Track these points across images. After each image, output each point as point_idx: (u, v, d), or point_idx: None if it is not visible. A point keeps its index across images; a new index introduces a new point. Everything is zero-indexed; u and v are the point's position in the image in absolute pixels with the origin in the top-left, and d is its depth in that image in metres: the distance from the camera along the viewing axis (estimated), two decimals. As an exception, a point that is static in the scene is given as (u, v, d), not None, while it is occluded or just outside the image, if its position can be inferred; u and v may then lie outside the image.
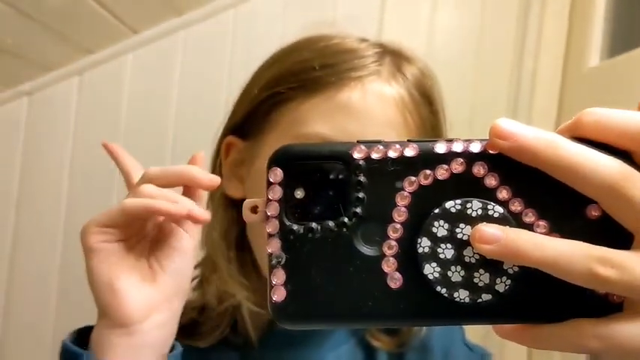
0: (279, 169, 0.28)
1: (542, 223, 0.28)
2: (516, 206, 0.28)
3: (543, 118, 1.24)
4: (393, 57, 0.62)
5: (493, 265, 0.28)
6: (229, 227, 0.65)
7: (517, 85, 1.27)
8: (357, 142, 0.28)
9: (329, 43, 0.61)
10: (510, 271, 0.28)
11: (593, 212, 0.27)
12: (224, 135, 0.66)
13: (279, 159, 0.28)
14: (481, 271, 0.28)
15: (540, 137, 0.26)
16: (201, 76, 1.22)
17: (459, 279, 0.28)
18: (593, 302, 0.28)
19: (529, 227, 0.28)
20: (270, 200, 0.28)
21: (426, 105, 0.61)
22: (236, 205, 0.64)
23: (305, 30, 0.66)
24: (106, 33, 1.14)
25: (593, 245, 0.26)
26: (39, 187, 1.20)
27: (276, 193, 0.28)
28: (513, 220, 0.27)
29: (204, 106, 1.22)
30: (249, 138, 0.63)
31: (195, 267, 0.70)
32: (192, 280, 0.71)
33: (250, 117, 0.63)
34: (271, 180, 0.28)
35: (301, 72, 0.59)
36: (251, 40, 1.22)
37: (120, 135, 1.21)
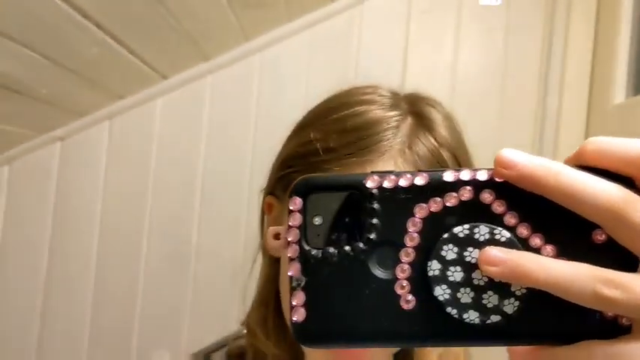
0: (298, 198, 0.30)
1: (548, 247, 0.28)
2: (523, 231, 0.29)
3: (569, 154, 1.24)
4: (411, 127, 0.59)
5: (501, 287, 0.28)
6: (269, 284, 0.66)
7: (542, 124, 1.27)
8: (372, 172, 0.30)
9: (339, 116, 0.60)
10: (518, 293, 0.28)
11: (599, 236, 0.28)
12: (265, 194, 0.68)
13: (300, 189, 0.30)
14: (489, 292, 0.29)
15: (540, 165, 0.28)
16: (228, 119, 1.25)
17: (469, 300, 0.29)
18: (602, 325, 0.28)
19: (536, 251, 0.28)
20: (291, 227, 0.30)
21: None
22: (276, 262, 0.66)
23: (331, 89, 0.66)
24: (136, 79, 1.17)
25: (598, 267, 0.27)
26: (71, 230, 1.22)
27: (296, 220, 0.30)
28: (520, 244, 0.28)
29: (232, 149, 1.23)
30: (280, 201, 0.65)
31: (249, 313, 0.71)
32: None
33: (276, 187, 0.65)
34: (292, 208, 0.30)
35: (307, 155, 0.59)
36: (277, 84, 1.25)
37: (149, 177, 1.23)
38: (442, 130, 0.61)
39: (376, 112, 0.60)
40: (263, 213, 0.69)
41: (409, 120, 0.60)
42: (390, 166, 0.57)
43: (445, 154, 0.59)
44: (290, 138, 0.66)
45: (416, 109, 0.61)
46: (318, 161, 0.58)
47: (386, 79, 0.68)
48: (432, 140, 0.59)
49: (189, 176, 1.24)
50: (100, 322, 1.21)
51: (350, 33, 1.27)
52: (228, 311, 1.00)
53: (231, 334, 0.75)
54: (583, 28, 1.27)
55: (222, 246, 1.21)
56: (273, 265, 0.67)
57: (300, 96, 1.20)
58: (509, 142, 1.25)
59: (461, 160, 0.61)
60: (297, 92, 1.22)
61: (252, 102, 1.24)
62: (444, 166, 0.59)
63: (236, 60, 1.24)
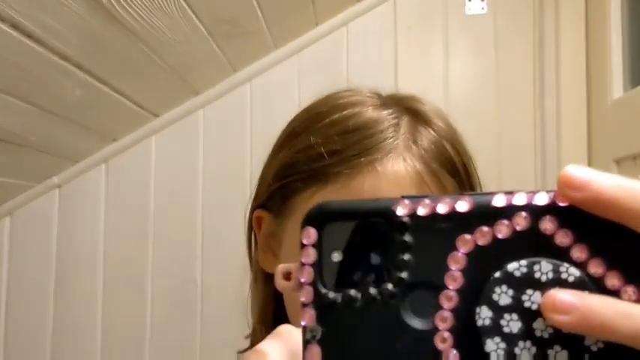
0: (313, 229, 0.25)
1: (630, 288, 0.23)
2: (596, 268, 0.23)
3: (573, 156, 1.21)
4: (410, 123, 0.59)
5: (572, 341, 0.23)
6: (267, 303, 0.63)
7: (542, 127, 1.24)
8: (402, 197, 0.25)
9: (336, 119, 0.59)
10: (594, 349, 0.23)
11: None
12: (253, 209, 0.66)
13: (314, 218, 0.25)
14: (557, 347, 0.23)
15: (621, 185, 0.22)
16: (223, 151, 1.24)
17: (530, 358, 0.23)
18: None
19: (614, 294, 0.23)
20: (304, 264, 0.25)
21: (448, 175, 0.58)
22: (272, 279, 0.63)
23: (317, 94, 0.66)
24: (127, 119, 1.17)
25: None
26: (76, 276, 1.22)
27: (310, 256, 0.25)
28: (593, 284, 0.23)
29: (229, 180, 1.22)
30: (275, 215, 0.63)
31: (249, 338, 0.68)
32: None
33: (271, 199, 0.63)
34: (304, 242, 0.25)
35: (309, 161, 0.57)
36: (269, 110, 1.24)
37: (150, 217, 1.22)
38: (439, 121, 0.61)
39: (372, 111, 0.59)
40: (250, 229, 0.66)
41: (406, 117, 0.59)
42: (400, 163, 0.55)
43: (447, 146, 0.59)
44: (280, 146, 0.64)
45: (406, 105, 0.61)
46: (323, 165, 0.56)
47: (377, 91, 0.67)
48: (433, 133, 0.59)
49: (189, 213, 1.23)
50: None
51: (338, 55, 1.26)
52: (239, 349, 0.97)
53: None
54: (574, 26, 1.25)
55: (228, 282, 1.19)
56: (269, 283, 0.64)
57: (293, 121, 1.19)
58: (510, 151, 1.23)
59: (460, 151, 0.60)
60: (290, 118, 1.21)
61: (246, 132, 1.24)
62: (453, 163, 0.59)
63: (226, 92, 1.24)
